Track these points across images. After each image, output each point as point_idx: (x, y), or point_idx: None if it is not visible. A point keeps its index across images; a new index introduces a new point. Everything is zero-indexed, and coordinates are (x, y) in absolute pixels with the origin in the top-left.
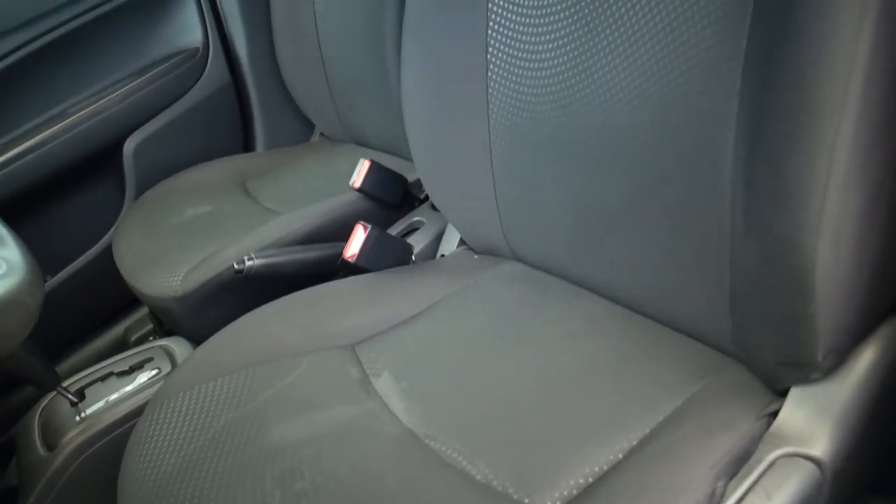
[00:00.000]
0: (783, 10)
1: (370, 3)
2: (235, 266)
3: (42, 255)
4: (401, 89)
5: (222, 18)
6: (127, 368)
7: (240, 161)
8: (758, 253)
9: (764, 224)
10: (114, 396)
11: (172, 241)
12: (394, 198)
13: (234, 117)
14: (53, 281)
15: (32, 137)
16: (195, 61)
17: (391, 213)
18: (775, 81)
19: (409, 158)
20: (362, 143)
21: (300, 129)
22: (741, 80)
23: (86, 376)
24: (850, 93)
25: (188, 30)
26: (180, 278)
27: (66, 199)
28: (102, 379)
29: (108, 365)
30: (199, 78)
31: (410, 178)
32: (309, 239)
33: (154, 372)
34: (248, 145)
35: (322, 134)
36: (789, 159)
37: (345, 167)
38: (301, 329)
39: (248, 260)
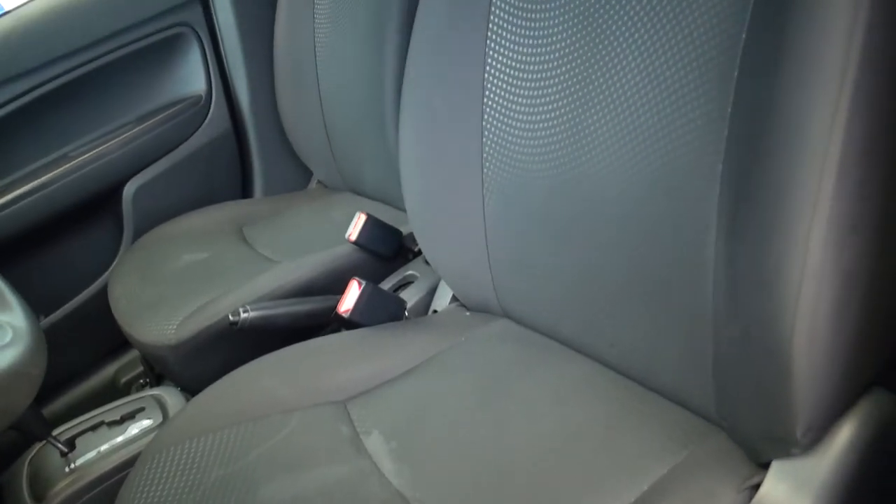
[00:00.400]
0: (758, 114)
1: (371, 57)
2: (230, 317)
3: (37, 295)
4: (398, 144)
5: (226, 67)
6: (118, 418)
7: (237, 207)
8: (738, 332)
9: (744, 306)
10: (105, 447)
11: (168, 288)
12: (388, 250)
13: (234, 163)
14: (46, 321)
15: (34, 179)
16: (198, 108)
17: (385, 265)
18: (752, 176)
19: (404, 209)
20: (359, 192)
21: (298, 176)
22: (722, 169)
23: (76, 425)
24: (823, 192)
25: (192, 78)
26: (175, 327)
27: (64, 240)
28: (93, 428)
29: (100, 414)
30: (201, 125)
31: (405, 230)
32: (304, 290)
33: (146, 423)
34: (246, 191)
35: (319, 181)
36: (767, 249)
37: (341, 216)
38: (293, 384)
39: (244, 312)
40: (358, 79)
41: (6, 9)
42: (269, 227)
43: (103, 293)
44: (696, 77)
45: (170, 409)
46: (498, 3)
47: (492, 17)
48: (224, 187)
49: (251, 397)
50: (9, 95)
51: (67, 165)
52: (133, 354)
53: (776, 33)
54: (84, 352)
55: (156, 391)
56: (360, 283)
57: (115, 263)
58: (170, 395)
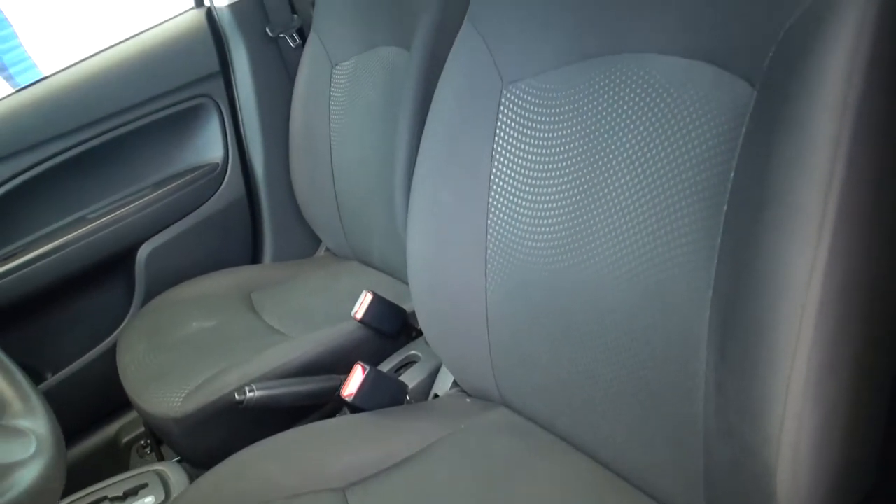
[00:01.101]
0: (742, 254)
1: (383, 139)
2: (237, 396)
3: (45, 353)
4: (406, 226)
5: (243, 136)
6: (121, 494)
7: (247, 273)
8: (726, 454)
9: (731, 430)
10: None
11: (175, 357)
12: (392, 328)
13: (245, 229)
14: (53, 379)
15: (53, 241)
16: (214, 175)
17: (389, 343)
18: (737, 311)
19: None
20: (366, 262)
21: (307, 243)
22: (712, 296)
23: (80, 499)
24: (802, 335)
25: (210, 146)
26: (180, 399)
27: (76, 299)
28: (96, 503)
29: (103, 488)
30: (217, 191)
31: (409, 307)
32: (309, 367)
33: (148, 500)
34: (256, 255)
35: (328, 249)
36: (752, 382)
37: (348, 288)
38: (294, 469)
39: (249, 391)
40: (370, 157)
41: (43, 72)
42: (278, 296)
43: (110, 353)
44: (689, 206)
45: (172, 488)
46: (505, 111)
47: (499, 125)
48: (235, 252)
49: (253, 483)
50: (35, 160)
51: (85, 228)
52: (136, 415)
53: (760, 180)
54: (87, 410)
55: (158, 466)
56: (363, 368)
57: (124, 325)
58: (173, 472)
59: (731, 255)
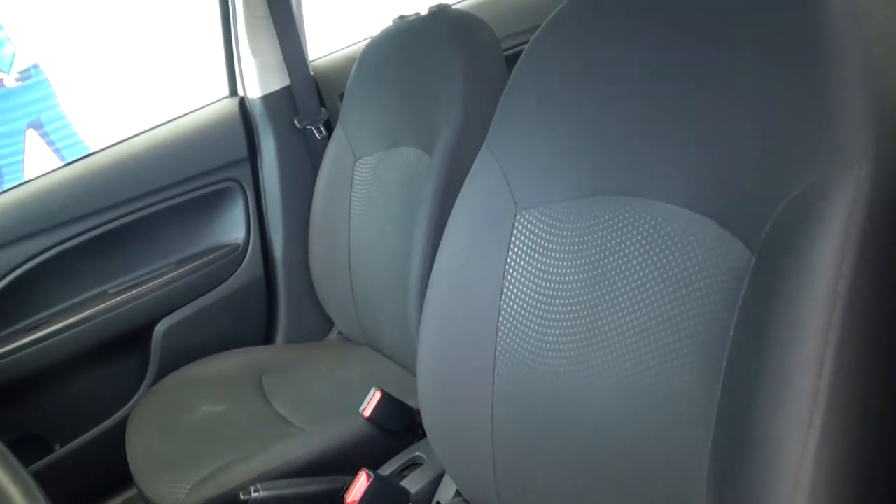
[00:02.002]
0: (739, 414)
1: (400, 236)
2: (241, 496)
3: (56, 424)
4: (419, 335)
5: (265, 219)
6: None
7: (259, 354)
8: None
9: None
10: None
11: (183, 445)
12: (399, 426)
13: (260, 308)
14: (62, 451)
15: (74, 315)
16: (234, 255)
17: (394, 441)
18: (734, 467)
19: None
20: (377, 349)
21: (320, 325)
22: (711, 444)
23: None
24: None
25: (233, 227)
26: (185, 491)
27: (90, 373)
28: None
29: None
30: (235, 271)
31: (415, 404)
32: (315, 464)
33: None
34: (269, 335)
35: (340, 332)
36: None
37: (357, 377)
38: None
39: (255, 491)
40: (386, 251)
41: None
42: (288, 381)
43: (120, 427)
44: (688, 355)
45: None
46: (518, 235)
47: (511, 247)
48: (249, 330)
49: None
50: (63, 236)
51: (106, 303)
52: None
53: (757, 352)
54: (93, 482)
55: None
56: (368, 476)
57: (136, 403)
58: None
59: (729, 414)
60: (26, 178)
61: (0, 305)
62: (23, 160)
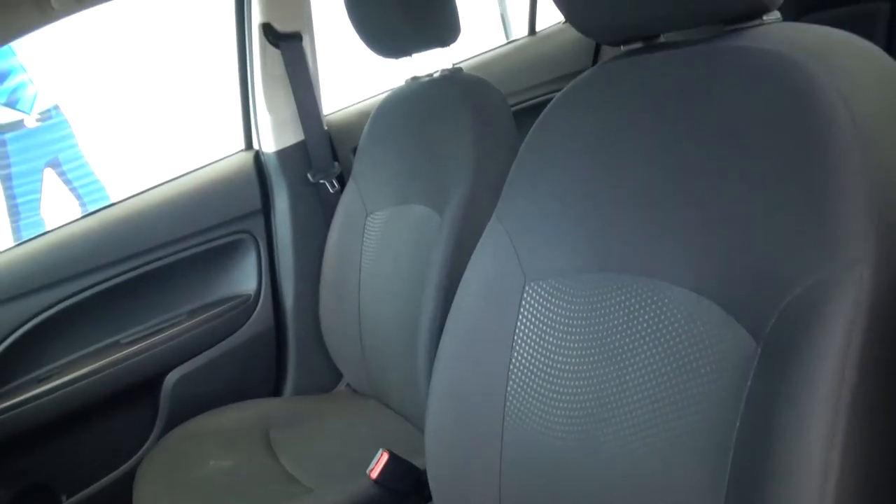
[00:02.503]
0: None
1: (409, 293)
2: None
3: (63, 474)
4: (427, 400)
5: (277, 271)
6: None
7: (267, 406)
8: None
9: None
10: None
11: (191, 503)
12: (406, 487)
13: (270, 359)
14: (68, 502)
15: (85, 366)
16: (245, 307)
17: (402, 502)
18: None
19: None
20: (385, 402)
21: (329, 377)
22: None
23: None
24: None
25: (245, 278)
26: None
27: (99, 423)
28: None
29: None
30: (246, 322)
31: (422, 464)
32: None
33: None
34: (278, 386)
35: (348, 384)
36: None
37: (365, 433)
38: None
39: None
40: (396, 306)
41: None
42: (296, 437)
43: (127, 479)
44: (695, 439)
45: None
46: (527, 306)
47: (520, 318)
48: (258, 381)
49: None
50: (78, 287)
51: (117, 354)
52: None
53: (762, 451)
54: None
55: None
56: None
57: (144, 456)
58: None
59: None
60: (41, 215)
61: (14, 356)
62: (40, 198)
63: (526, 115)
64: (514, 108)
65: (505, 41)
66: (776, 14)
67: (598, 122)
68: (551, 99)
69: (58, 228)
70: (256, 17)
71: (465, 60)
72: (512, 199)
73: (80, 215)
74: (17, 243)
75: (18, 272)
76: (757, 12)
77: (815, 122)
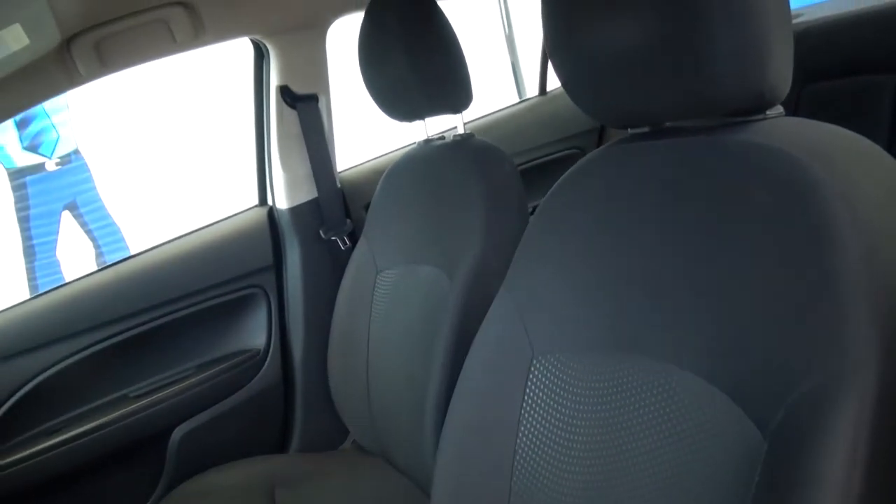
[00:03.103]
0: None
1: (418, 352)
2: None
3: None
4: (434, 472)
5: (287, 327)
6: None
7: (273, 464)
8: None
9: None
10: None
11: None
12: None
13: (277, 415)
14: None
15: (93, 420)
16: (254, 362)
17: None
18: None
19: (429, 492)
20: (390, 461)
21: (336, 433)
22: None
23: None
24: None
25: (254, 333)
26: None
27: (105, 478)
28: None
29: None
30: (254, 377)
31: None
32: None
33: None
34: (285, 442)
35: (355, 441)
36: None
37: (370, 492)
38: None
39: None
40: (404, 366)
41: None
42: (301, 496)
43: None
44: None
45: None
46: (534, 380)
47: (527, 391)
48: (265, 437)
49: None
50: (89, 341)
51: (125, 409)
52: None
53: None
54: None
55: None
56: None
57: None
58: None
59: None
60: (56, 256)
61: (24, 409)
62: (56, 240)
63: (536, 174)
64: (524, 167)
65: (518, 100)
66: (779, 108)
67: (605, 204)
68: (560, 158)
69: (71, 282)
70: (275, 79)
71: (477, 119)
72: (521, 272)
73: (94, 269)
74: (29, 297)
75: (30, 326)
76: (760, 107)
77: (817, 224)
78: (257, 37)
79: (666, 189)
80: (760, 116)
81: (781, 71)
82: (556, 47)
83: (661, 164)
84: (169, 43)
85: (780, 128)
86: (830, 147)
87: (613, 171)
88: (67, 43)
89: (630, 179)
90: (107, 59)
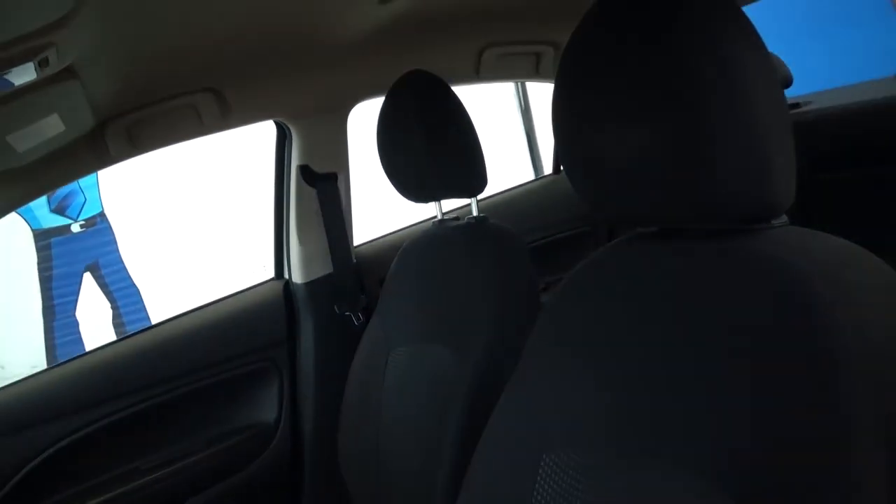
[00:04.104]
0: None
1: (430, 431)
2: None
3: None
4: None
5: (298, 402)
6: None
7: None
8: None
9: None
10: None
11: None
12: None
13: (285, 490)
14: None
15: (104, 494)
16: (264, 436)
17: None
18: None
19: None
20: None
21: None
22: None
23: None
24: None
25: (266, 407)
26: None
27: None
28: None
29: None
30: (264, 452)
31: None
32: None
33: None
34: None
35: None
36: None
37: None
38: None
39: None
40: (415, 445)
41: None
42: None
43: None
44: None
45: None
46: (543, 475)
47: (536, 486)
48: None
49: None
50: (101, 414)
51: (135, 483)
52: None
53: None
54: None
55: None
56: None
57: None
58: None
59: None
60: (76, 316)
61: (36, 481)
62: (76, 300)
63: (548, 251)
64: (536, 244)
65: (532, 170)
66: (784, 218)
67: (612, 304)
68: (572, 236)
69: (85, 355)
70: (296, 159)
71: (492, 196)
72: (530, 368)
73: (109, 342)
74: (43, 370)
75: (44, 398)
76: (765, 216)
77: (821, 343)
78: (281, 119)
79: (671, 293)
80: (766, 225)
81: (783, 182)
82: (567, 150)
83: (667, 271)
84: (197, 126)
85: (786, 239)
86: (837, 262)
87: (620, 274)
88: (100, 127)
89: (635, 283)
90: (137, 142)
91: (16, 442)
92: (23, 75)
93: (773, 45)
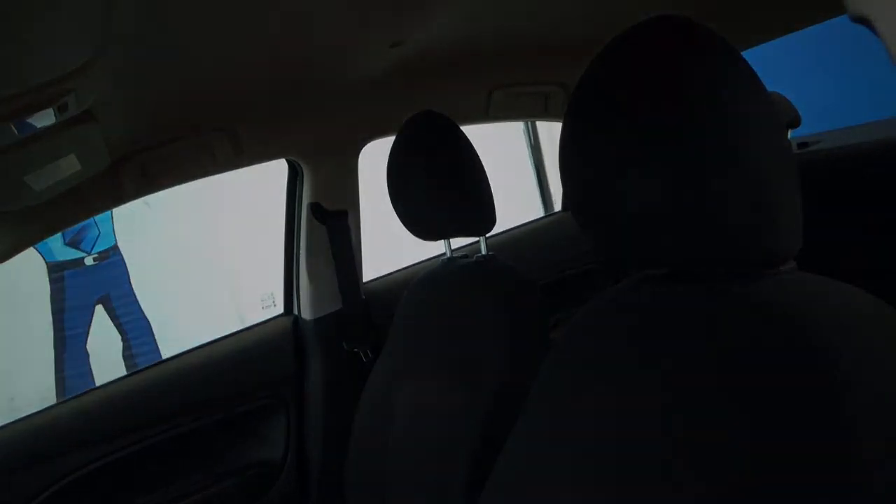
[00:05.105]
0: None
1: (440, 458)
2: None
3: None
4: None
5: (305, 437)
6: None
7: None
8: None
9: None
10: None
11: None
12: None
13: None
14: None
15: None
16: (271, 472)
17: None
18: None
19: None
20: None
21: None
22: None
23: None
24: None
25: (273, 443)
26: None
27: None
28: None
29: None
30: (271, 488)
31: None
32: None
33: None
34: None
35: None
36: None
37: None
38: None
39: None
40: (423, 483)
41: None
42: None
43: None
44: None
45: None
46: None
47: None
48: None
49: None
50: (108, 450)
51: None
52: None
53: None
54: None
55: None
56: None
57: None
58: None
59: None
60: (87, 349)
61: None
62: (87, 332)
63: (557, 288)
64: (545, 281)
65: (541, 204)
66: (792, 263)
67: (620, 344)
68: (581, 273)
69: (93, 391)
70: (307, 196)
71: (502, 234)
72: (539, 405)
73: (117, 377)
74: (51, 405)
75: (51, 434)
76: (773, 262)
77: (830, 390)
78: (293, 158)
79: (678, 340)
80: (774, 271)
81: (790, 227)
82: (575, 193)
83: (675, 313)
84: (210, 164)
85: (794, 286)
86: (846, 310)
87: (628, 315)
88: (116, 165)
89: (644, 324)
90: (152, 179)
91: (24, 476)
92: (42, 120)
93: (782, 84)
